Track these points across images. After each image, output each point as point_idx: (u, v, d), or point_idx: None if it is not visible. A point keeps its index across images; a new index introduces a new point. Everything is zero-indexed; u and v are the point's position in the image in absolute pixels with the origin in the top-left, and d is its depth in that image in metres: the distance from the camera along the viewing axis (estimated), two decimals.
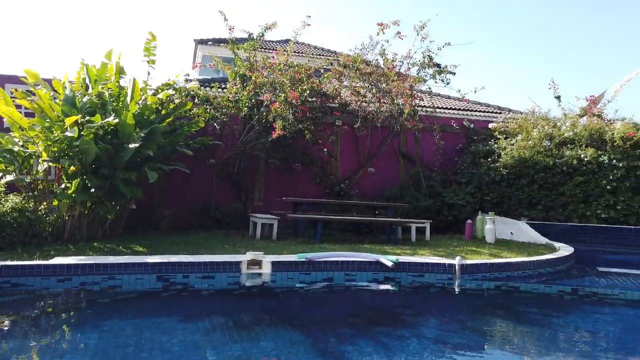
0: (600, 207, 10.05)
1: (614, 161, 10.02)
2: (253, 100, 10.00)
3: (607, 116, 11.79)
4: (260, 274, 5.86)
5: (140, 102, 8.03)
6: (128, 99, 7.86)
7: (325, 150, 11.41)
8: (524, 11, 32.61)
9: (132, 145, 7.15)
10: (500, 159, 11.14)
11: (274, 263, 5.90)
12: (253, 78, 9.81)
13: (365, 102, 11.17)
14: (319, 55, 14.35)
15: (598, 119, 11.41)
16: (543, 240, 9.44)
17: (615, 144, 10.27)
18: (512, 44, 35.90)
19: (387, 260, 6.15)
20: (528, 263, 7.02)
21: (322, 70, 10.94)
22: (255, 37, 10.42)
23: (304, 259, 6.06)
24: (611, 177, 9.95)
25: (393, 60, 10.98)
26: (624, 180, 9.98)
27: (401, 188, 11.74)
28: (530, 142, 11.07)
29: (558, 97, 12.82)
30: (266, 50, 13.91)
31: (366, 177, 12.08)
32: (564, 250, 8.25)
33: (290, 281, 5.92)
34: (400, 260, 6.25)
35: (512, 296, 6.08)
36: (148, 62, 8.75)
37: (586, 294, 6.11)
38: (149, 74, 8.82)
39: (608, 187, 10.00)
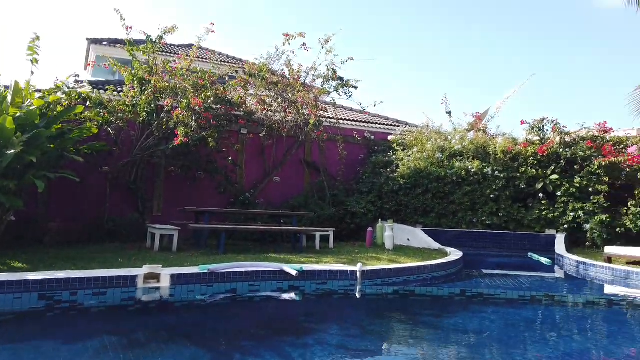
0: (485, 214, 11.03)
1: (497, 172, 11.09)
2: (152, 106, 9.53)
3: (491, 131, 13.04)
4: (158, 288, 5.56)
5: (24, 105, 7.27)
6: (8, 101, 7.09)
7: (230, 158, 11.21)
8: (420, 32, 35.01)
9: (10, 151, 6.43)
10: (398, 170, 11.78)
11: (173, 276, 5.64)
12: (153, 82, 9.36)
13: (271, 112, 11.20)
14: (224, 62, 14.13)
15: (483, 134, 12.57)
16: (436, 245, 10.10)
17: (497, 157, 11.38)
18: (410, 61, 38.33)
19: (292, 269, 6.17)
20: (423, 267, 7.47)
21: (227, 78, 10.77)
22: (155, 40, 9.97)
23: (206, 271, 5.86)
24: (494, 187, 11.00)
25: (298, 71, 11.16)
26: (505, 189, 11.09)
27: (306, 197, 11.90)
28: (424, 154, 11.86)
29: (449, 113, 13.91)
30: (167, 54, 13.40)
31: (272, 186, 12.07)
32: (454, 254, 8.89)
33: (192, 294, 5.69)
34: (304, 269, 6.31)
35: (408, 299, 6.41)
36: (32, 61, 7.96)
37: (473, 294, 6.62)
38: (32, 73, 8.03)
39: (491, 196, 11.04)
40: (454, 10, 32.16)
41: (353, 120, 13.90)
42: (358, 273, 6.45)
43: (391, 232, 9.77)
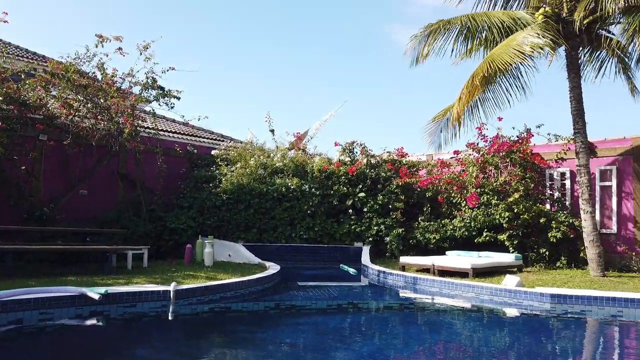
0: (302, 228, 11.64)
1: (313, 189, 11.82)
2: None
3: (309, 151, 13.88)
4: None
5: None
6: None
7: (23, 167, 9.67)
8: (247, 49, 35.69)
9: None
10: (221, 185, 11.68)
11: None
12: None
13: (79, 117, 10.08)
14: (21, 56, 12.28)
15: (302, 153, 13.32)
16: (256, 260, 10.25)
17: (314, 175, 12.16)
18: (235, 77, 38.65)
19: (93, 292, 5.56)
20: (240, 283, 7.48)
21: (23, 75, 9.33)
22: None
23: None
24: (311, 203, 11.70)
25: (113, 76, 10.28)
26: (320, 205, 11.88)
27: (120, 212, 10.93)
28: (248, 169, 12.02)
29: (272, 131, 14.40)
30: None
31: (78, 200, 10.78)
32: (273, 268, 9.14)
33: None
34: (109, 291, 5.75)
35: (224, 316, 6.34)
36: None
37: (287, 307, 6.87)
38: None
39: (308, 212, 11.72)
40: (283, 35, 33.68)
41: (175, 132, 13.37)
42: (171, 293, 6.14)
43: (211, 249, 9.58)
